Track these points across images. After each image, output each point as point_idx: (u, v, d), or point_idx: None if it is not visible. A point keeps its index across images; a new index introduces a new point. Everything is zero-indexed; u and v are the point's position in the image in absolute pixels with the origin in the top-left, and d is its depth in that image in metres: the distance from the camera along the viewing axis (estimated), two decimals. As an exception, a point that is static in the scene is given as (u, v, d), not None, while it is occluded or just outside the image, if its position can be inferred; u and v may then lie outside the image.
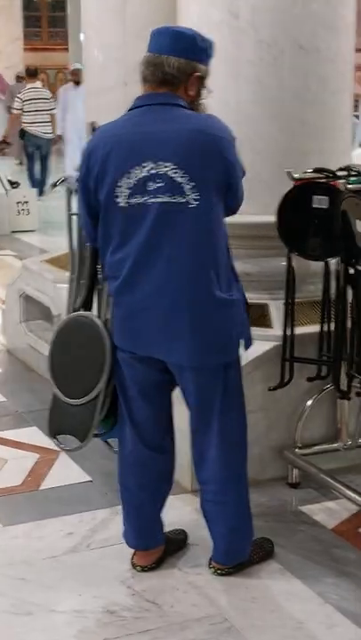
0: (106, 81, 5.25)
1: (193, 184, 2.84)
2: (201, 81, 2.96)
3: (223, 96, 3.90)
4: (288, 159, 3.96)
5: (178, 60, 2.90)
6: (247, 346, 3.10)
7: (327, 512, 3.63)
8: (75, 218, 3.66)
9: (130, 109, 3.00)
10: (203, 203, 2.85)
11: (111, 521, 3.55)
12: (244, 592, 3.07)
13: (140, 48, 4.99)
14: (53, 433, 3.24)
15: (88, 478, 3.94)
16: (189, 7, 4.16)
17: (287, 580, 3.14)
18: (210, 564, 3.20)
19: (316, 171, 3.69)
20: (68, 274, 5.06)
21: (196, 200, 2.84)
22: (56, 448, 4.12)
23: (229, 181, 2.93)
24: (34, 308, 5.63)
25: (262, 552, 3.25)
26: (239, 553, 3.17)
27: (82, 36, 5.59)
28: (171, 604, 3.00)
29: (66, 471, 4.01)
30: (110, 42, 5.15)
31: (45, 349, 5.16)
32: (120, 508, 3.48)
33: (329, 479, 3.66)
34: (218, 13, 3.96)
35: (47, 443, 4.27)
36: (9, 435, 4.45)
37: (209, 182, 2.86)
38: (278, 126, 4.05)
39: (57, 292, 5.08)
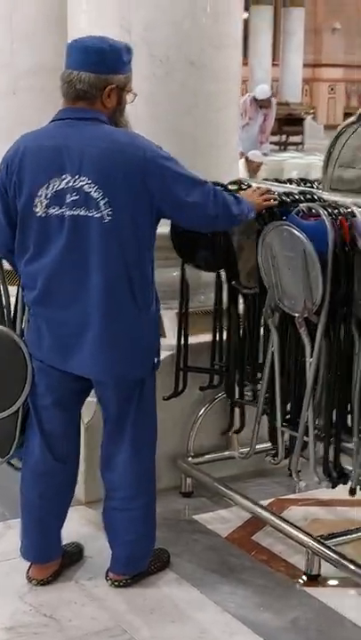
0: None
1: (107, 200, 2.86)
2: (119, 91, 2.97)
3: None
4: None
5: (88, 76, 2.92)
6: (158, 362, 3.16)
7: (221, 520, 3.68)
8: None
9: (52, 121, 3.03)
10: (116, 218, 2.88)
11: (3, 536, 3.51)
12: (142, 603, 3.08)
13: (28, 55, 5.02)
14: None
15: (-22, 492, 3.88)
16: (80, 21, 4.15)
17: (185, 589, 3.17)
18: (107, 575, 3.20)
19: (209, 184, 3.74)
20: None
21: (109, 215, 2.87)
22: None
23: (156, 198, 2.93)
24: None
25: (159, 562, 3.27)
26: (139, 563, 3.19)
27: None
28: (69, 618, 2.99)
29: None
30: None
31: None
32: (12, 522, 3.46)
33: (222, 487, 3.72)
34: (109, 28, 3.97)
35: None
36: None
37: (124, 199, 2.88)
38: (171, 141, 4.06)
39: None
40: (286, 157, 13.75)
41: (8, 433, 3.14)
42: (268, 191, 3.33)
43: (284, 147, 20.68)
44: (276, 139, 19.53)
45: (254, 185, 3.71)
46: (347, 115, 30.82)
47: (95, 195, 2.87)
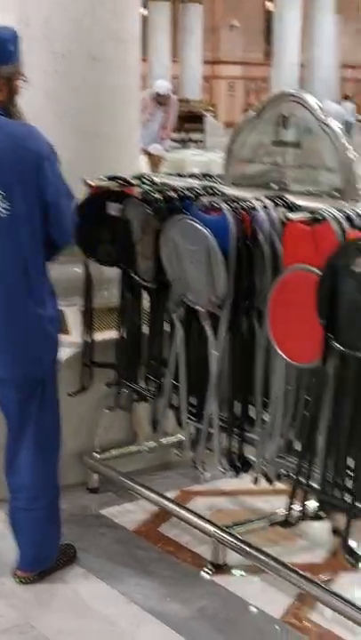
0: None
1: (4, 194, 2.84)
2: (9, 82, 2.94)
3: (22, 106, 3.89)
4: (82, 168, 4.00)
5: None
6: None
7: (127, 514, 3.70)
8: None
9: None
10: (14, 214, 2.86)
11: None
12: (49, 598, 3.08)
13: None
14: None
15: None
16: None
17: (92, 583, 3.18)
18: (14, 572, 3.18)
19: (110, 178, 3.76)
20: None
21: (6, 210, 2.85)
22: None
23: (45, 198, 2.93)
24: None
25: (66, 558, 3.27)
26: (46, 560, 3.19)
27: None
28: (-24, 617, 2.97)
29: None
30: None
31: None
32: None
33: (128, 481, 3.74)
34: (11, 21, 3.94)
35: None
36: None
37: (21, 193, 2.87)
38: (73, 136, 4.09)
39: None
40: (187, 154, 13.85)
41: None
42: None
43: (184, 144, 20.79)
44: (176, 136, 19.62)
45: (156, 180, 3.76)
46: (245, 112, 31.28)
47: None
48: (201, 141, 21.53)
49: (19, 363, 2.99)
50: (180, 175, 3.96)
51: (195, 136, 21.86)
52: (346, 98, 22.98)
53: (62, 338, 3.93)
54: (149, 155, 9.56)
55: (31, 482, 3.12)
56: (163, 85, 13.19)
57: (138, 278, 3.60)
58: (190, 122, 21.98)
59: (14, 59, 2.99)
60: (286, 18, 22.86)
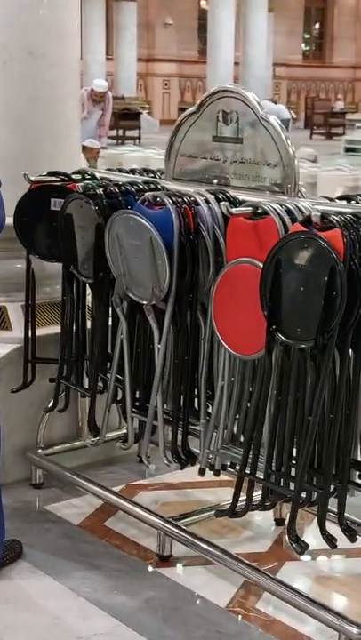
0: None
1: None
2: None
3: None
4: (21, 163, 3.99)
5: None
6: None
7: (73, 509, 3.70)
8: None
9: None
10: None
11: None
12: (-4, 594, 3.08)
13: None
14: None
15: None
16: None
17: (38, 578, 3.18)
18: None
19: (51, 174, 3.75)
20: None
21: None
22: None
23: None
24: None
25: (12, 553, 3.26)
26: (-10, 556, 3.18)
27: None
28: None
29: None
30: None
31: None
32: None
33: (73, 476, 3.74)
34: None
35: None
36: None
37: None
38: (10, 131, 4.08)
39: None
40: (125, 151, 13.86)
41: None
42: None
43: (121, 141, 20.79)
44: (113, 133, 19.62)
45: (97, 175, 3.77)
46: (181, 109, 31.27)
47: None
48: (137, 138, 21.58)
49: None
50: (120, 170, 3.97)
51: (130, 133, 21.89)
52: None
53: (4, 334, 3.97)
54: (85, 148, 9.50)
55: None
56: (101, 84, 13.20)
57: (78, 274, 3.61)
58: (126, 119, 22.01)
59: None
60: (220, 16, 22.99)
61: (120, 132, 21.53)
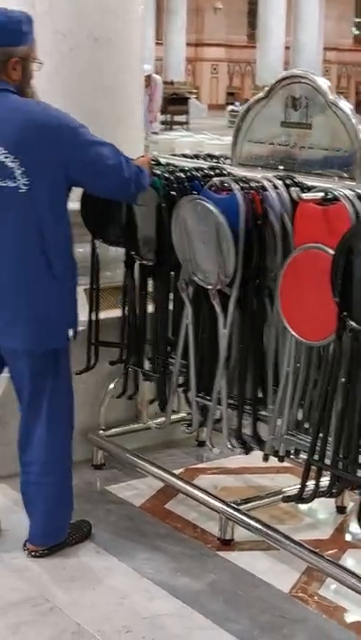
0: None
1: (23, 169, 2.88)
2: (23, 62, 2.97)
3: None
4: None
5: None
6: (75, 334, 3.20)
7: (133, 490, 3.74)
8: None
9: None
10: (33, 189, 2.89)
11: None
12: (62, 572, 3.12)
13: None
14: None
15: None
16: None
17: (103, 557, 3.22)
18: (25, 546, 3.22)
19: (118, 159, 3.76)
20: None
21: (26, 185, 2.88)
22: None
23: (71, 167, 2.96)
24: None
25: (79, 534, 3.30)
26: (57, 534, 3.22)
27: None
28: (-10, 590, 3.01)
29: None
30: None
31: None
32: None
33: (134, 458, 3.78)
34: (15, 1, 3.94)
35: None
36: None
37: (40, 169, 2.91)
38: (75, 116, 4.09)
39: None
40: (176, 136, 13.85)
41: None
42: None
43: (169, 126, 20.77)
44: (161, 118, 19.61)
45: (162, 160, 3.78)
46: (229, 94, 31.17)
47: (10, 164, 2.89)
48: (185, 123, 21.54)
49: (34, 335, 3.02)
50: (184, 156, 3.98)
51: (178, 118, 21.86)
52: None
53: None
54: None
55: (44, 456, 3.14)
56: (144, 67, 13.17)
57: (140, 258, 3.63)
58: (174, 104, 21.97)
59: (28, 40, 3.01)
60: (271, 0, 22.83)
61: (168, 118, 21.51)
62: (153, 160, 3.73)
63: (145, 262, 3.62)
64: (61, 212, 3.01)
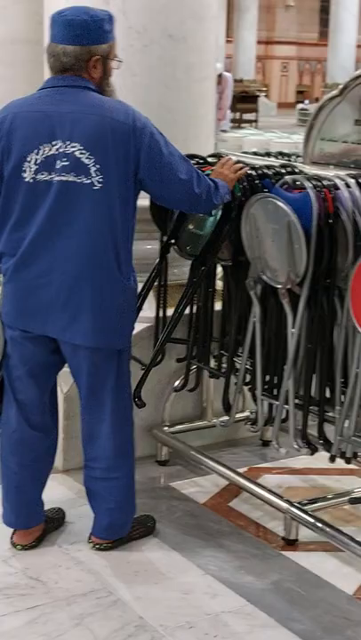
0: None
1: (98, 166, 2.90)
2: (104, 61, 2.99)
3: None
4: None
5: (73, 49, 2.95)
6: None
7: (197, 487, 3.75)
8: None
9: (40, 89, 3.05)
10: (106, 186, 2.91)
11: (-16, 502, 3.53)
12: (126, 566, 3.14)
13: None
14: None
15: None
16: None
17: (166, 553, 3.23)
18: (89, 539, 3.25)
19: (188, 157, 3.76)
20: None
21: (100, 182, 2.90)
22: None
23: (141, 174, 2.97)
24: None
25: (143, 528, 3.32)
26: (121, 528, 3.24)
27: None
28: (55, 581, 3.03)
29: None
30: None
31: None
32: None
33: (199, 456, 3.78)
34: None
35: None
36: None
37: (113, 167, 2.92)
38: (146, 113, 4.10)
39: None
40: (245, 134, 13.82)
41: None
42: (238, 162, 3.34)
43: (238, 124, 20.72)
44: (230, 116, 19.58)
45: (233, 158, 3.77)
46: (299, 93, 30.95)
47: (86, 161, 2.91)
48: (254, 121, 21.47)
49: (98, 332, 3.02)
50: (255, 154, 3.97)
51: (247, 116, 21.79)
52: None
53: (134, 312, 4.03)
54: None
55: (108, 452, 3.17)
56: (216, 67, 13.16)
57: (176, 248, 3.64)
58: (244, 102, 21.89)
59: (109, 38, 3.04)
60: (343, -2, 22.63)
61: (237, 115, 21.46)
62: (222, 157, 3.72)
63: (223, 263, 3.61)
64: (130, 210, 3.02)
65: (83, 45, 2.96)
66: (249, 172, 3.42)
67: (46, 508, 3.34)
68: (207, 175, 3.45)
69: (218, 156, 3.82)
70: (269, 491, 3.47)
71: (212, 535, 3.36)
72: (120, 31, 3.98)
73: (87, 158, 2.90)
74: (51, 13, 3.09)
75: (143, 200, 3.73)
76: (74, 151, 2.90)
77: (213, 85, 4.41)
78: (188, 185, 3.05)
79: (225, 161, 3.35)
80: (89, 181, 2.91)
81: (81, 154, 2.90)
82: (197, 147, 4.04)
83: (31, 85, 3.38)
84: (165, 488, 3.76)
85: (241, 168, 3.32)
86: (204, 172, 3.56)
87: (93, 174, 2.90)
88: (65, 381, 3.65)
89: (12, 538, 3.24)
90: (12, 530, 3.25)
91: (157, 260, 3.80)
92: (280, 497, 3.41)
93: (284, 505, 3.34)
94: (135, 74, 4.06)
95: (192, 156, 3.77)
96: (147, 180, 3.00)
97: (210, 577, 3.09)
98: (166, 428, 3.97)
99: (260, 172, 3.45)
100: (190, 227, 3.56)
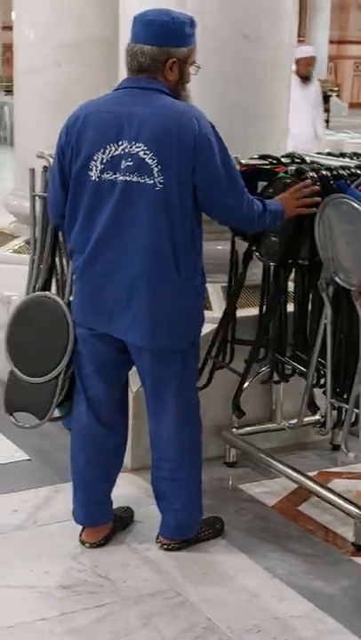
0: (37, 61, 5.17)
1: (160, 167, 2.90)
2: (181, 64, 2.99)
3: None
4: (229, 145, 4.00)
5: (150, 49, 2.95)
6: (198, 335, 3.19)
7: (266, 490, 3.73)
8: (37, 199, 3.63)
9: (114, 90, 3.07)
10: (167, 187, 2.91)
11: (54, 499, 3.57)
12: (194, 567, 3.13)
13: (75, 28, 5.03)
14: (10, 410, 3.29)
15: (26, 457, 3.94)
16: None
17: (234, 555, 3.22)
18: (157, 539, 3.25)
19: (262, 157, 3.75)
20: (6, 252, 5.05)
21: (161, 184, 2.91)
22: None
23: (198, 179, 2.94)
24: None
25: (211, 530, 3.32)
26: (188, 529, 3.24)
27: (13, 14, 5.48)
28: (123, 580, 3.05)
29: (3, 449, 3.99)
30: (44, 20, 5.08)
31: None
32: (62, 486, 3.54)
33: (268, 458, 3.76)
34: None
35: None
36: None
37: (175, 168, 2.92)
38: (220, 113, 4.06)
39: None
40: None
41: (46, 398, 3.20)
42: (312, 190, 3.24)
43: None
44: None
45: (307, 159, 3.73)
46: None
47: (150, 161, 2.91)
48: (327, 121, 21.25)
49: (159, 334, 3.02)
50: (329, 154, 3.93)
51: (319, 116, 21.57)
52: None
53: (204, 313, 4.01)
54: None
55: (174, 453, 3.17)
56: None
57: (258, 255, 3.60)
58: (316, 102, 21.63)
59: (189, 42, 3.02)
60: None
61: (309, 116, 21.25)
62: (297, 157, 3.68)
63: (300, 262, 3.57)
64: (190, 212, 2.99)
65: (160, 46, 2.95)
66: (324, 172, 3.38)
67: (115, 506, 3.35)
68: (280, 178, 3.44)
69: (291, 156, 3.79)
70: (339, 495, 3.44)
71: (281, 538, 3.34)
72: (196, 31, 4.01)
73: (150, 159, 2.90)
74: (126, 14, 3.11)
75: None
76: (138, 151, 2.90)
77: (288, 85, 4.38)
78: (237, 202, 3.03)
79: (298, 187, 3.25)
80: (151, 182, 2.91)
81: (145, 154, 2.90)
82: (271, 147, 4.01)
83: (107, 86, 3.41)
84: (233, 490, 3.74)
85: (310, 203, 3.22)
86: (277, 173, 3.57)
87: (155, 175, 2.90)
88: (134, 381, 3.66)
89: (80, 535, 3.26)
90: (80, 527, 3.27)
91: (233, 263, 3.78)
92: (350, 502, 3.37)
93: (355, 510, 3.30)
94: (209, 74, 4.03)
95: (266, 157, 3.75)
96: (198, 186, 2.97)
97: (278, 580, 3.07)
98: (235, 430, 3.95)
99: (334, 172, 3.41)
100: (273, 235, 3.50)
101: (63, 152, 3.04)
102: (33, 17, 5.14)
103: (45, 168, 3.54)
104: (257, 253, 3.61)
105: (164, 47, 2.96)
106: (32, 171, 3.66)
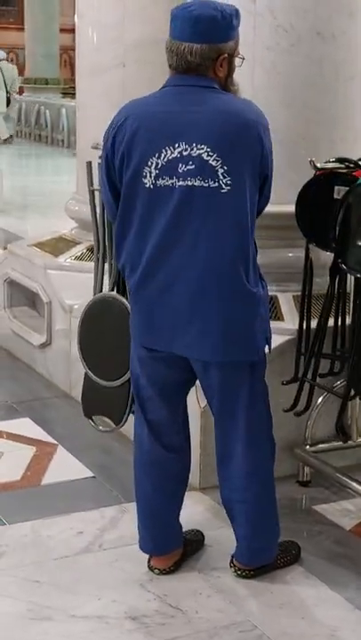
0: (101, 62, 5.05)
1: (226, 168, 2.70)
2: (230, 59, 2.80)
3: (238, 80, 3.76)
4: (300, 147, 3.86)
5: (201, 48, 2.73)
6: (269, 344, 2.99)
7: (343, 512, 3.53)
8: (97, 194, 3.45)
9: (162, 88, 2.87)
10: (235, 189, 2.71)
11: (120, 519, 3.42)
12: (270, 597, 2.95)
13: (139, 28, 4.90)
14: (89, 414, 3.24)
15: (90, 474, 3.79)
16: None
17: (313, 584, 3.03)
18: (231, 563, 3.07)
19: (339, 160, 3.57)
20: (57, 259, 4.95)
21: (228, 185, 2.71)
22: (53, 441, 4.04)
23: (265, 172, 2.81)
24: (19, 294, 5.43)
25: (288, 556, 3.13)
26: (263, 554, 3.05)
27: (75, 17, 5.35)
28: (195, 610, 2.87)
29: (66, 466, 3.86)
30: (107, 21, 4.95)
31: (30, 336, 5.03)
32: (127, 505, 3.40)
33: (345, 478, 3.56)
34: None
35: (43, 435, 4.15)
36: (1, 426, 4.27)
37: (242, 168, 2.73)
38: (291, 113, 3.94)
39: (47, 278, 4.92)
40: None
41: (121, 401, 3.10)
42: None
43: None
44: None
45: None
46: None
47: (214, 163, 2.70)
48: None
49: (230, 346, 2.83)
50: None
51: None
52: None
53: (275, 324, 3.83)
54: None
55: (242, 472, 2.98)
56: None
57: (346, 267, 3.40)
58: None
59: (236, 34, 2.82)
60: None
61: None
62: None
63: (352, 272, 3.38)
64: (255, 212, 2.82)
65: (211, 44, 2.74)
66: None
67: (184, 529, 3.18)
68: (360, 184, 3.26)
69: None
70: None
71: (361, 566, 3.15)
72: (267, 30, 3.87)
73: (215, 160, 2.69)
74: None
75: (286, 206, 3.56)
76: (200, 153, 2.69)
77: (361, 85, 4.19)
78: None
79: None
80: (216, 185, 2.70)
81: (208, 156, 2.69)
82: (344, 149, 3.84)
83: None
84: (308, 511, 3.56)
85: None
86: (356, 177, 3.38)
87: (221, 177, 2.70)
88: (202, 396, 3.50)
89: (149, 561, 3.10)
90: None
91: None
92: None
93: None
94: (281, 73, 3.90)
95: (343, 160, 3.57)
96: (267, 178, 2.83)
97: (359, 612, 2.87)
98: (308, 447, 3.77)
99: None
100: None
101: (112, 160, 2.82)
102: (96, 18, 5.02)
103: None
104: (343, 265, 3.38)
105: (214, 44, 2.74)
106: (89, 164, 3.50)
